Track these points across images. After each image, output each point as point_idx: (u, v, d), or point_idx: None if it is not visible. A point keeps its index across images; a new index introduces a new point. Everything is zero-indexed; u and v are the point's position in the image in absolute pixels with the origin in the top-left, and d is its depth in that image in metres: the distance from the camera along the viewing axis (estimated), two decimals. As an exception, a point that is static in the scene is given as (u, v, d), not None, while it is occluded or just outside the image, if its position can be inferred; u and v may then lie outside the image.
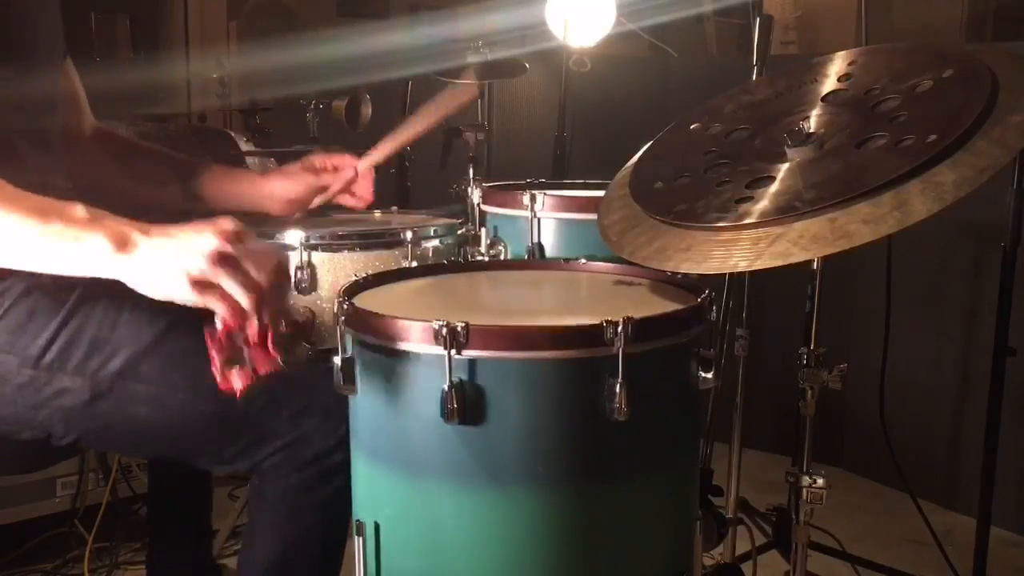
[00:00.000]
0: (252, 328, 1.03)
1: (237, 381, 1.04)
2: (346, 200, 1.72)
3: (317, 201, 1.69)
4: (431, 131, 1.74)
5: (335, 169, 1.68)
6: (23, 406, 1.23)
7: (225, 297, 1.01)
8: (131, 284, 1.03)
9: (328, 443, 1.27)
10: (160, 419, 1.26)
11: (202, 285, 1.01)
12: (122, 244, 1.02)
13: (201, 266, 1.00)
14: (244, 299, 1.01)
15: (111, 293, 1.13)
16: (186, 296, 1.01)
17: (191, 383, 1.23)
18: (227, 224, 1.03)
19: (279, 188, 1.65)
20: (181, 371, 1.24)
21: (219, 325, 1.03)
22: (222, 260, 1.00)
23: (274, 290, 1.04)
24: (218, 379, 1.04)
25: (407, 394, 1.10)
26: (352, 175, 1.68)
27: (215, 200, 1.62)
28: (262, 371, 1.05)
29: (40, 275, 1.09)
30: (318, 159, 1.67)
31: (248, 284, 1.01)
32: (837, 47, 1.42)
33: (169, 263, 1.01)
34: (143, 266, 1.02)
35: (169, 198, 1.59)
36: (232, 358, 1.04)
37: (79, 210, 1.03)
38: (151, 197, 1.61)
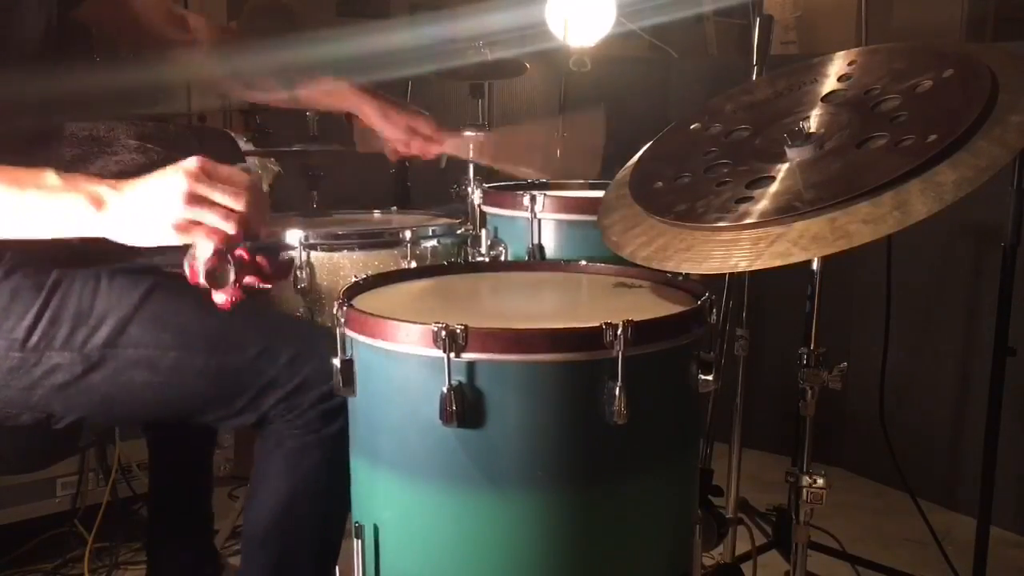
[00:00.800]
0: (242, 250, 1.07)
1: (223, 296, 1.08)
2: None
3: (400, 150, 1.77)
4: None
5: (425, 136, 1.75)
6: (17, 388, 1.24)
7: (211, 232, 1.04)
8: (116, 238, 1.07)
9: (328, 386, 1.27)
10: (157, 381, 1.27)
11: (184, 226, 1.04)
12: (98, 203, 1.05)
13: (178, 209, 1.03)
14: (229, 227, 1.04)
15: (88, 267, 1.14)
16: (172, 239, 1.05)
17: (181, 340, 1.25)
18: (192, 162, 1.05)
19: (375, 111, 1.73)
20: (168, 330, 1.26)
21: (205, 254, 1.05)
22: (197, 199, 1.04)
23: (255, 209, 1.06)
24: (217, 299, 1.08)
25: (406, 396, 1.10)
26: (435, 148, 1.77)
27: (315, 103, 1.81)
28: (257, 284, 1.09)
29: (17, 257, 1.11)
30: (423, 123, 1.75)
31: (227, 213, 1.05)
32: (837, 47, 1.42)
33: (147, 213, 1.05)
34: (121, 220, 1.06)
35: (271, 100, 1.72)
36: (222, 277, 1.07)
37: (51, 177, 1.07)
38: (251, 96, 1.72)
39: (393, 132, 1.73)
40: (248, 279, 1.08)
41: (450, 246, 1.76)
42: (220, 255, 1.05)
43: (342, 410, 1.24)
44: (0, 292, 1.24)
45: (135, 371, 1.26)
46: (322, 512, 1.36)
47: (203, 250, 1.05)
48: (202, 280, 1.06)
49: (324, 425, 1.31)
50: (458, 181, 2.22)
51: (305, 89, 1.66)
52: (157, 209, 1.04)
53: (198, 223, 1.04)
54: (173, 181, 1.04)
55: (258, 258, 1.09)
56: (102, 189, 1.06)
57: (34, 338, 1.23)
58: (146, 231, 1.05)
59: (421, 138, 1.74)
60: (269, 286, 1.11)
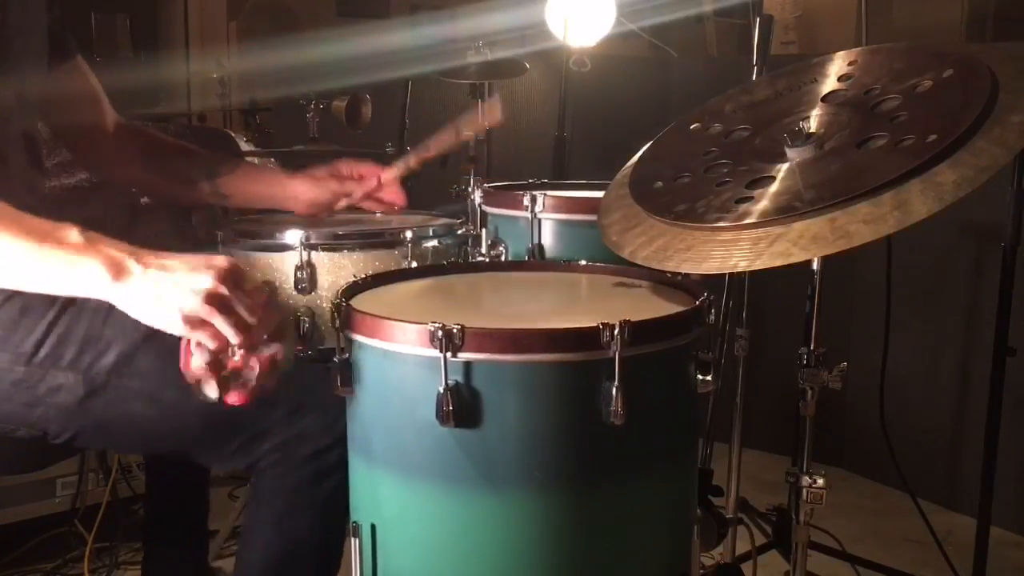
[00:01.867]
0: (242, 359, 1.06)
1: (215, 393, 1.07)
2: (374, 206, 1.73)
3: (342, 204, 1.70)
4: (456, 146, 1.76)
5: (360, 177, 1.69)
6: (18, 403, 1.24)
7: (216, 336, 1.03)
8: (123, 309, 1.05)
9: (325, 440, 1.27)
10: (154, 415, 1.26)
11: (194, 322, 1.02)
12: (117, 271, 1.03)
13: (195, 305, 1.02)
14: (234, 339, 1.03)
15: None
16: (177, 330, 1.03)
17: (184, 378, 1.24)
18: (223, 263, 1.04)
19: (303, 190, 1.66)
20: (173, 366, 1.25)
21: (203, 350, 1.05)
22: (216, 300, 1.02)
23: (262, 328, 1.05)
24: (207, 393, 1.07)
25: (403, 396, 1.10)
26: (375, 184, 1.68)
27: (240, 198, 1.64)
28: (246, 395, 1.08)
29: None
30: (345, 166, 1.68)
31: (240, 325, 1.03)
32: (837, 47, 1.42)
33: (163, 297, 1.02)
34: (136, 296, 1.03)
35: (196, 195, 1.61)
36: (222, 377, 1.06)
37: (73, 234, 1.03)
38: (177, 193, 1.63)
39: (325, 200, 1.67)
40: (236, 393, 1.08)
41: (450, 246, 1.76)
42: (214, 358, 1.05)
43: (339, 466, 1.23)
44: (11, 305, 1.23)
45: (135, 402, 1.25)
46: (315, 568, 1.35)
47: (201, 349, 1.05)
48: (192, 370, 1.06)
49: (318, 482, 1.29)
50: (458, 181, 2.23)
51: (229, 181, 1.60)
52: (174, 296, 1.02)
53: (208, 323, 1.03)
54: (199, 276, 1.02)
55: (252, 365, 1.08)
56: (123, 257, 1.03)
57: (41, 354, 1.22)
58: (155, 312, 1.03)
59: (361, 183, 1.68)
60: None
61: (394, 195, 1.71)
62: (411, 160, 1.72)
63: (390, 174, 1.70)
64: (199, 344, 1.05)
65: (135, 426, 1.28)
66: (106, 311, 1.25)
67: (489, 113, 1.76)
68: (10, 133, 1.32)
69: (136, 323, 1.24)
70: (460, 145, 1.75)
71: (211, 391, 1.06)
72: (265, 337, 1.08)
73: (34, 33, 1.37)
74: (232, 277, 1.03)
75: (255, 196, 1.65)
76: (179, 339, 1.06)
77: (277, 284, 1.63)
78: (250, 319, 1.04)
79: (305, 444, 1.28)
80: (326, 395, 1.18)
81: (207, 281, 1.02)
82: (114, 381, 1.24)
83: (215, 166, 1.59)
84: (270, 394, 1.09)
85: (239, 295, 1.03)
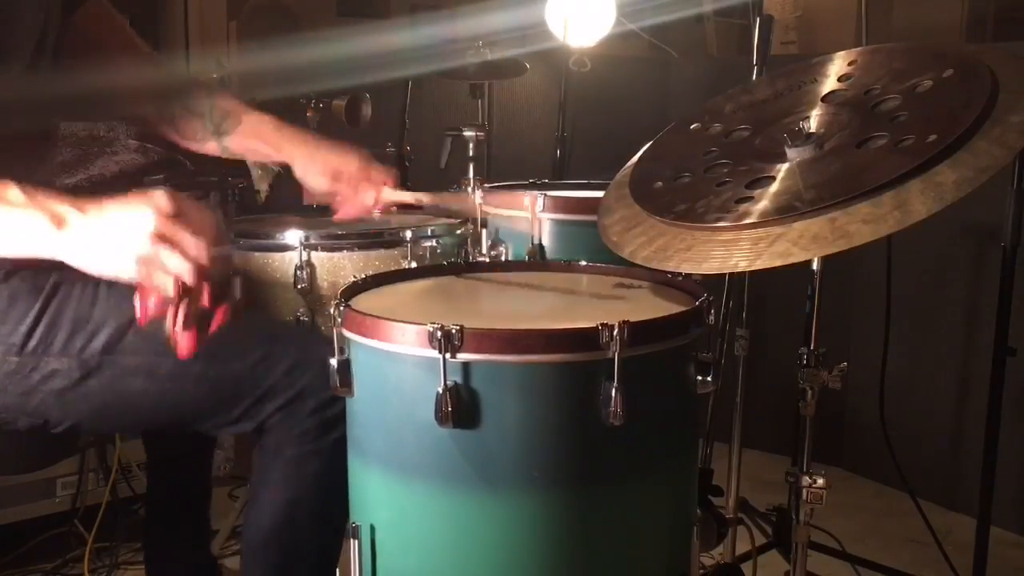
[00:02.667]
0: (200, 296, 1.05)
1: (187, 342, 1.06)
2: (346, 200, 1.63)
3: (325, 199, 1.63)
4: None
5: (361, 181, 1.59)
6: (14, 394, 1.24)
7: (168, 272, 1.02)
8: (72, 262, 1.04)
9: (327, 394, 1.27)
10: (155, 389, 1.27)
11: (144, 263, 1.02)
12: (60, 223, 1.02)
13: (141, 246, 1.01)
14: (187, 273, 1.02)
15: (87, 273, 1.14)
16: (129, 274, 1.03)
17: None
18: (162, 200, 1.03)
19: (299, 158, 1.57)
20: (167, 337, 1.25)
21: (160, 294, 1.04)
22: (161, 238, 1.01)
23: (215, 256, 1.05)
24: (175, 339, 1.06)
25: (402, 397, 1.10)
26: (371, 205, 1.61)
27: (245, 156, 1.64)
28: (211, 330, 1.07)
29: (16, 262, 1.09)
30: (349, 170, 1.57)
31: (189, 256, 1.02)
32: (837, 47, 1.42)
33: (108, 242, 1.02)
34: (82, 245, 1.03)
35: (205, 149, 1.57)
36: (180, 321, 1.05)
37: (14, 191, 1.03)
38: (184, 145, 1.59)
39: (318, 183, 1.57)
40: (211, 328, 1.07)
41: (450, 246, 1.76)
42: (168, 300, 1.04)
43: (341, 418, 1.24)
44: None
45: (133, 378, 1.26)
46: (322, 520, 1.35)
47: (157, 287, 1.04)
48: (149, 315, 1.05)
49: (323, 433, 1.30)
50: (458, 181, 2.23)
51: (235, 137, 1.55)
52: (119, 240, 1.02)
53: (157, 261, 1.02)
54: (140, 216, 1.01)
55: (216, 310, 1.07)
56: (65, 209, 1.03)
57: (32, 343, 1.23)
58: (104, 260, 1.03)
59: (362, 189, 1.58)
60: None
61: (367, 208, 1.63)
62: (406, 198, 1.65)
63: (387, 197, 1.61)
64: (152, 287, 1.04)
65: (136, 403, 1.29)
66: (93, 292, 1.26)
67: (466, 204, 1.75)
68: (21, 127, 1.32)
69: (125, 300, 1.24)
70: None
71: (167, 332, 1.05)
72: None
73: (26, 27, 1.36)
74: (174, 211, 1.03)
75: (258, 154, 1.61)
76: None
77: (278, 284, 1.63)
78: (197, 249, 1.02)
79: (308, 399, 1.29)
80: (323, 352, 1.18)
81: (149, 220, 1.01)
82: (108, 360, 1.25)
83: (220, 123, 1.55)
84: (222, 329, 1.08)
85: (183, 227, 1.02)
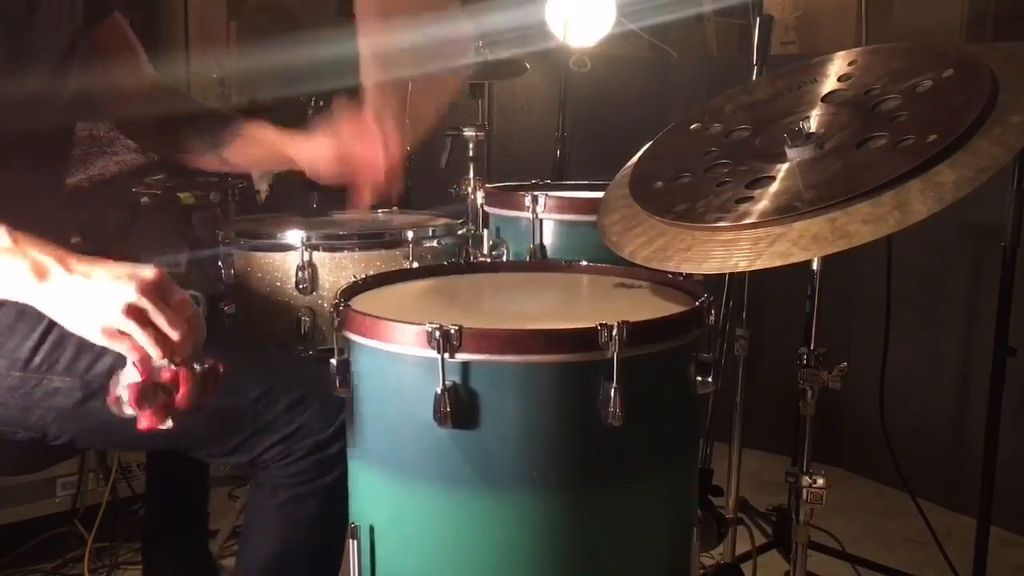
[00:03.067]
0: (163, 375, 1.04)
1: (149, 420, 1.05)
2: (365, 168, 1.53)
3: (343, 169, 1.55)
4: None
5: (359, 134, 1.51)
6: (15, 408, 1.24)
7: (135, 348, 1.02)
8: (47, 313, 1.04)
9: (326, 433, 1.27)
10: None
11: (112, 334, 1.02)
12: (41, 275, 1.02)
13: (114, 317, 1.01)
14: (153, 352, 1.02)
15: None
16: (96, 340, 1.03)
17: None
18: (149, 274, 1.03)
19: (304, 152, 1.54)
20: None
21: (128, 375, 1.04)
22: (135, 313, 1.01)
23: (187, 343, 1.04)
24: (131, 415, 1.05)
25: (401, 397, 1.10)
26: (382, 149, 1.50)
27: (245, 166, 1.60)
28: (179, 409, 1.06)
29: None
30: (342, 120, 1.53)
31: (158, 338, 1.02)
32: (837, 47, 1.42)
33: (84, 305, 1.02)
34: (58, 302, 1.03)
35: (204, 164, 1.57)
36: (146, 396, 1.05)
37: (2, 236, 1.03)
38: (186, 162, 1.59)
39: (328, 172, 1.51)
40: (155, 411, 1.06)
41: (451, 246, 1.76)
42: (135, 375, 1.04)
43: (340, 459, 1.23)
44: (6, 310, 1.23)
45: None
46: (318, 559, 1.35)
47: (126, 372, 1.04)
48: (113, 394, 1.05)
49: (319, 475, 1.30)
50: (458, 181, 2.23)
51: (234, 147, 1.54)
52: (94, 306, 1.01)
53: (127, 336, 1.02)
54: (121, 286, 1.01)
55: (181, 382, 1.06)
56: (49, 261, 1.03)
57: (37, 359, 1.23)
58: (76, 320, 1.03)
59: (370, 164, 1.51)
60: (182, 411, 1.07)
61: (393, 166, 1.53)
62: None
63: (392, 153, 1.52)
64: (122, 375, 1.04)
65: (133, 425, 1.28)
66: None
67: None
68: (37, 126, 1.32)
69: None
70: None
71: (127, 409, 1.05)
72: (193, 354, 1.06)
73: (61, 29, 1.36)
74: (156, 289, 1.02)
75: (258, 161, 1.59)
76: None
77: (278, 284, 1.63)
78: (172, 333, 1.02)
79: (307, 437, 1.28)
80: (326, 389, 1.18)
81: (129, 293, 1.01)
82: (112, 383, 1.24)
83: (217, 136, 1.54)
84: (200, 413, 1.08)
85: (162, 307, 1.02)
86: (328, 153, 1.51)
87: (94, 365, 1.24)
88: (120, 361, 1.23)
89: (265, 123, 1.58)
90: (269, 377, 1.30)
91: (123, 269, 1.02)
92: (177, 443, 1.34)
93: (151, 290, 1.02)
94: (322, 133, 1.54)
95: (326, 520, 1.30)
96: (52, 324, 1.23)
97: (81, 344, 1.23)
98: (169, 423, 1.06)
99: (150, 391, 1.04)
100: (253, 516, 1.37)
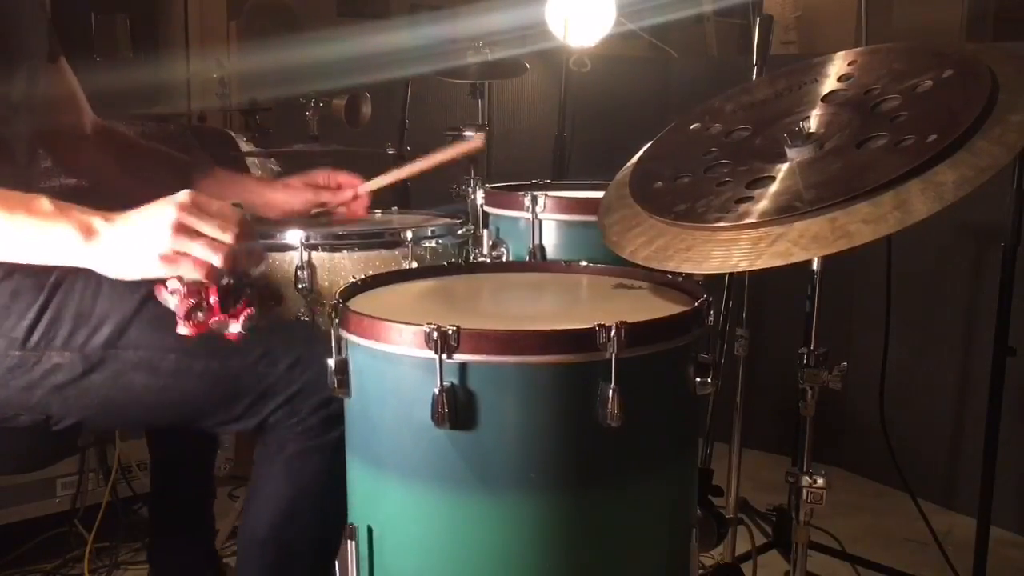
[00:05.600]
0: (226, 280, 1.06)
1: (186, 329, 1.07)
2: (336, 211, 1.74)
3: (314, 212, 1.72)
4: (430, 170, 1.77)
5: (338, 187, 1.70)
6: (15, 388, 1.24)
7: (197, 263, 1.04)
8: (101, 270, 1.07)
9: (328, 391, 1.27)
10: (157, 384, 1.27)
11: (171, 258, 1.04)
12: (88, 233, 1.05)
13: (166, 240, 1.03)
14: (215, 259, 1.04)
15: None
16: (158, 271, 1.05)
17: (180, 343, 1.22)
18: (183, 196, 1.05)
19: (279, 199, 1.67)
20: (169, 333, 1.25)
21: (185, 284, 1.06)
22: (185, 230, 1.03)
23: (243, 244, 1.06)
24: (187, 329, 1.07)
25: (398, 398, 1.10)
26: (351, 196, 1.71)
27: None
28: (242, 322, 1.09)
29: None
30: (322, 176, 1.69)
31: (215, 245, 1.04)
32: (837, 47, 1.42)
33: (136, 244, 1.04)
34: (111, 251, 1.05)
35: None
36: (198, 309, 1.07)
37: (44, 203, 1.06)
38: (151, 197, 1.61)
39: (298, 209, 1.68)
40: (215, 319, 1.08)
41: (450, 246, 1.76)
42: (200, 286, 1.05)
43: (341, 417, 1.24)
44: (1, 291, 1.23)
45: (135, 373, 1.26)
46: (322, 516, 1.35)
47: (186, 279, 1.05)
48: (174, 308, 1.06)
49: (325, 431, 1.30)
50: (458, 181, 2.23)
51: (204, 188, 1.54)
52: (145, 240, 1.04)
53: (185, 254, 1.04)
54: (163, 212, 1.04)
55: (243, 300, 1.09)
56: (94, 219, 1.06)
57: (34, 337, 1.23)
58: (133, 263, 1.05)
59: (336, 192, 1.70)
60: (238, 327, 1.09)
61: (359, 206, 1.73)
62: (389, 178, 1.74)
63: (367, 187, 1.72)
64: (184, 285, 1.05)
65: (138, 399, 1.29)
66: (95, 287, 1.26)
67: (470, 144, 1.79)
68: (17, 132, 1.32)
69: (127, 295, 1.25)
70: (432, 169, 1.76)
71: (234, 327, 1.08)
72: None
73: (38, 31, 1.37)
74: (195, 204, 1.05)
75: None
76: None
77: (278, 284, 1.63)
78: (223, 236, 1.04)
79: (310, 396, 1.29)
80: (324, 349, 1.18)
81: (171, 213, 1.03)
82: (111, 355, 1.25)
83: (189, 172, 1.60)
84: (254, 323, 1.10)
85: (205, 217, 1.04)
86: (303, 201, 1.66)
87: (92, 338, 1.25)
88: (117, 332, 1.24)
89: (230, 171, 1.66)
90: (268, 339, 1.31)
91: (157, 202, 1.06)
92: (183, 416, 1.35)
93: (190, 207, 1.04)
94: (296, 183, 1.67)
95: (331, 474, 1.30)
96: (48, 301, 1.25)
97: (78, 319, 1.25)
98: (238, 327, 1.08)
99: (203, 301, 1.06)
100: (259, 476, 1.37)
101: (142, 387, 1.27)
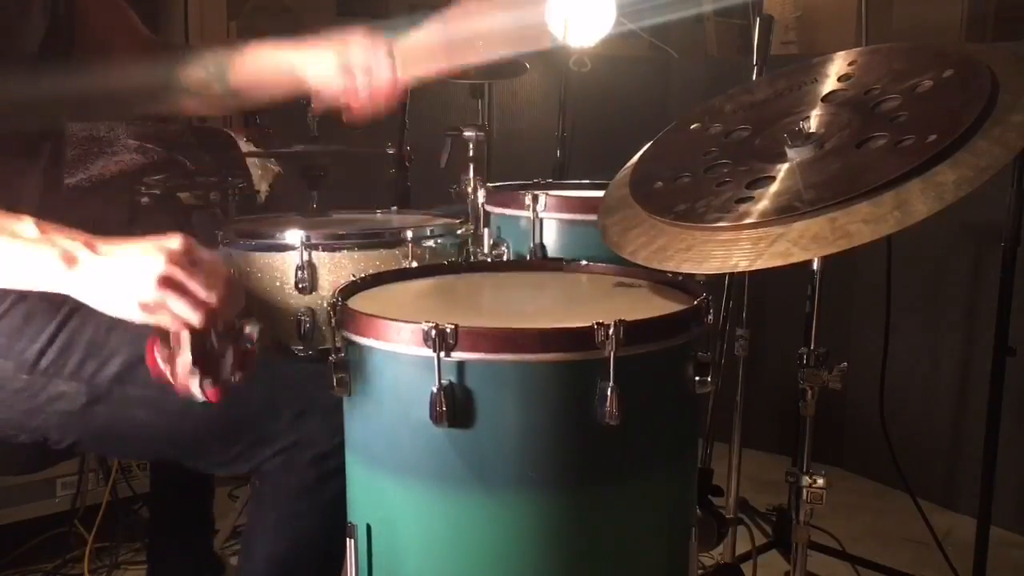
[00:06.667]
0: (208, 340, 1.04)
1: (201, 391, 1.05)
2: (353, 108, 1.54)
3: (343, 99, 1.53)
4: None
5: (370, 66, 1.51)
6: (19, 411, 1.23)
7: (175, 319, 1.01)
8: (82, 299, 1.03)
9: (328, 445, 1.27)
10: (158, 422, 1.26)
11: (151, 308, 1.01)
12: (70, 261, 1.01)
13: (148, 290, 0.99)
14: (194, 319, 1.01)
15: None
16: (137, 317, 1.01)
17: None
18: (175, 243, 1.02)
19: (309, 61, 1.49)
20: None
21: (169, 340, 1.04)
22: (169, 283, 1.00)
23: (226, 305, 1.03)
24: (181, 387, 1.05)
25: (397, 396, 1.10)
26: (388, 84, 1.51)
27: (253, 94, 1.52)
28: (231, 375, 1.07)
29: None
30: (347, 34, 1.52)
31: (197, 304, 1.01)
32: (837, 47, 1.42)
33: (118, 285, 1.01)
34: (91, 285, 1.02)
35: (208, 104, 1.53)
36: (201, 367, 1.04)
37: (28, 226, 1.02)
38: (193, 108, 1.56)
39: (330, 81, 1.47)
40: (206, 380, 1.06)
41: (450, 246, 1.76)
42: (178, 341, 1.03)
43: (340, 471, 1.23)
44: (14, 312, 1.22)
45: (138, 409, 1.25)
46: (317, 571, 1.34)
47: (167, 334, 1.04)
48: (161, 364, 1.04)
49: (320, 486, 1.29)
50: (458, 181, 2.22)
51: (238, 73, 1.47)
52: (127, 283, 1.00)
53: (165, 306, 1.01)
54: (150, 259, 1.00)
55: (228, 351, 1.06)
56: (77, 247, 1.01)
57: (44, 363, 1.22)
58: (113, 301, 1.02)
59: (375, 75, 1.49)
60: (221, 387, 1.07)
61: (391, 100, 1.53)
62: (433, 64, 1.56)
63: (406, 79, 1.53)
64: (162, 337, 1.04)
65: (136, 433, 1.28)
66: (110, 319, 1.24)
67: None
68: (31, 127, 1.31)
69: (140, 331, 1.24)
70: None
71: (195, 388, 1.05)
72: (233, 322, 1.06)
73: (27, 31, 1.35)
74: (185, 256, 1.01)
75: (265, 83, 1.51)
76: None
77: (278, 283, 1.63)
78: (207, 297, 1.01)
79: (308, 449, 1.28)
80: (329, 399, 1.18)
81: (159, 264, 1.00)
82: (118, 389, 1.24)
83: (220, 62, 1.48)
84: (243, 383, 1.07)
85: (193, 273, 1.01)
86: (332, 61, 1.48)
87: (102, 370, 1.23)
88: (128, 367, 1.23)
89: (264, 40, 1.50)
90: (273, 388, 1.30)
91: (149, 244, 1.02)
92: (178, 453, 1.34)
93: (180, 258, 1.01)
94: (326, 43, 1.51)
95: (327, 532, 1.30)
96: (60, 327, 1.23)
97: (89, 349, 1.24)
98: (212, 393, 1.06)
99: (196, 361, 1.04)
100: (254, 525, 1.36)
101: (142, 423, 1.26)
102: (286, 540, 1.32)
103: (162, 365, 1.05)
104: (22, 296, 1.22)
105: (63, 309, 1.23)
